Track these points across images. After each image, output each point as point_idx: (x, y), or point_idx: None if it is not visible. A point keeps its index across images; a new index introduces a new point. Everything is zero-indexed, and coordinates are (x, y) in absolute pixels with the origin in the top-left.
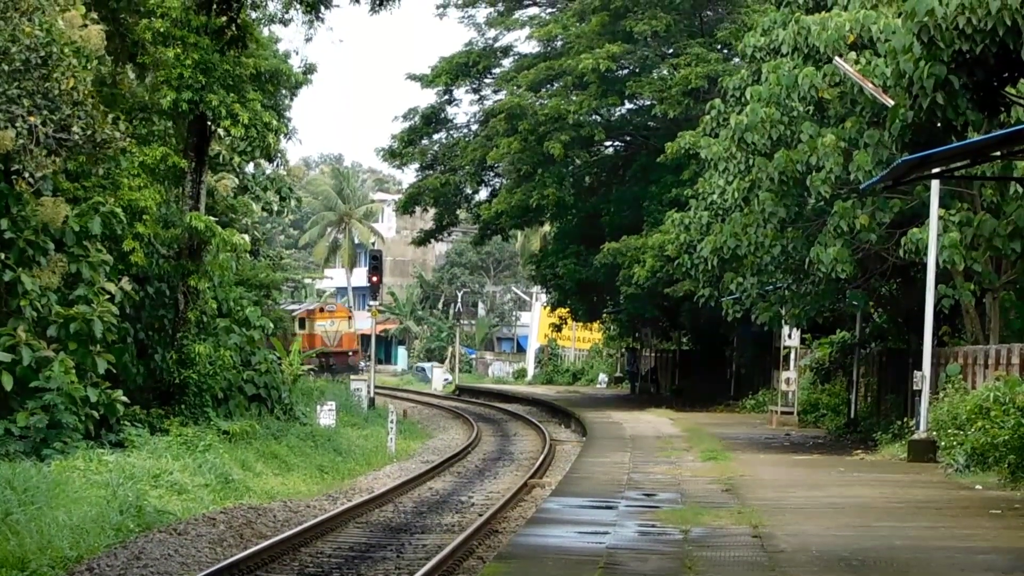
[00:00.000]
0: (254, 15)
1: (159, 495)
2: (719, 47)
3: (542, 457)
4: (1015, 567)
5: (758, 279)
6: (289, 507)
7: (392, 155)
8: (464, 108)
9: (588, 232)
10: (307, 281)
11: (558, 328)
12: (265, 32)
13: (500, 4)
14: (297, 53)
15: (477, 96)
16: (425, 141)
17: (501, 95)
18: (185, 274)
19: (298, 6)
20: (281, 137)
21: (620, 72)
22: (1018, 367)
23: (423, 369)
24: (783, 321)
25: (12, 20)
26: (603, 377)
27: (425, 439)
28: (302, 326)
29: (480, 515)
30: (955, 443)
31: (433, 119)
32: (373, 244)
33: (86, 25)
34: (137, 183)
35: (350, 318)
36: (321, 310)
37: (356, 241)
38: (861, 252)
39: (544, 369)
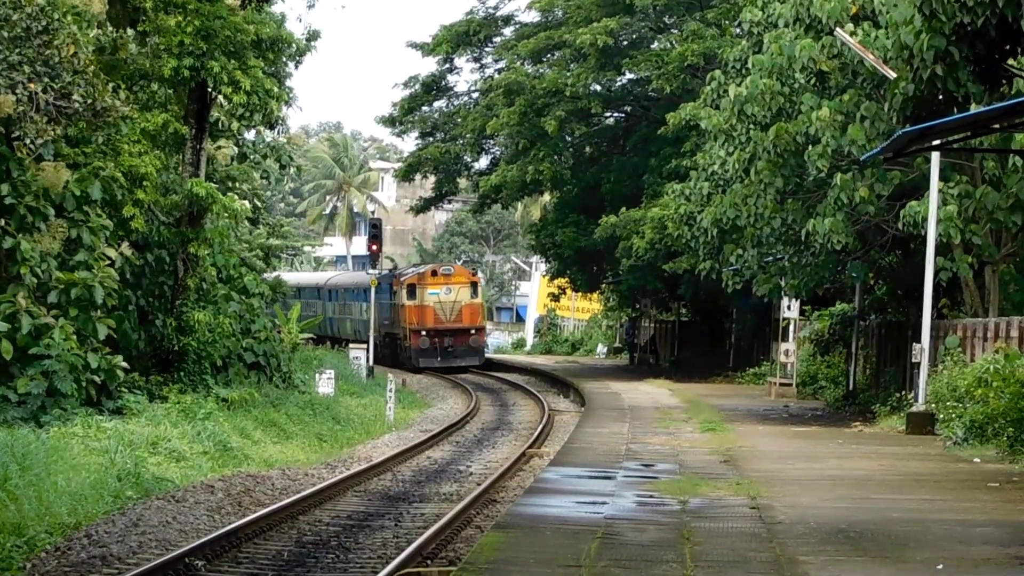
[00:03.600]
0: None
1: (157, 462)
2: (713, 25)
3: (540, 427)
4: (1013, 540)
5: (758, 251)
6: (287, 475)
7: (392, 122)
8: (465, 76)
9: (588, 202)
10: (307, 249)
11: (556, 298)
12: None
13: None
14: (300, 20)
15: (478, 64)
16: (425, 109)
17: (502, 63)
18: (185, 241)
19: None
20: (282, 104)
21: (619, 44)
22: (1017, 340)
23: None
24: (782, 293)
25: None
26: (602, 347)
27: (424, 408)
28: (411, 295)
29: (478, 484)
30: (953, 416)
31: (434, 87)
32: (373, 213)
33: None
34: (137, 149)
35: (474, 284)
36: (434, 273)
37: (355, 210)
38: (861, 224)
39: (543, 339)
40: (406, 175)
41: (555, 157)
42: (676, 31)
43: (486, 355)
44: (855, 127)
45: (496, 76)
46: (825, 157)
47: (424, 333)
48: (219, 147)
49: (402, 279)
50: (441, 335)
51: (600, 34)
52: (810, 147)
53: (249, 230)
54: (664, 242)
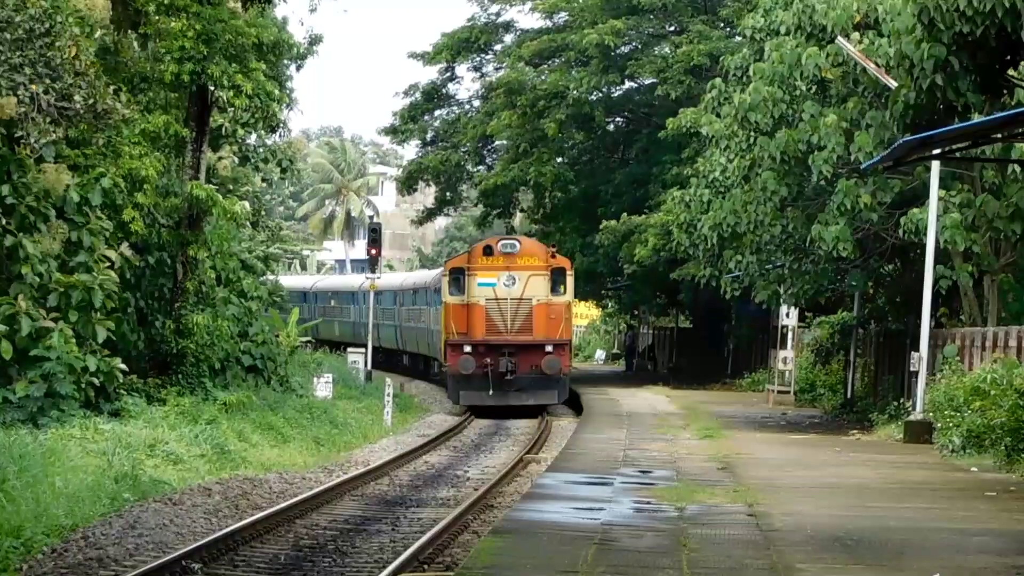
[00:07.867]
0: None
1: (155, 465)
2: (722, 24)
3: (538, 433)
4: (1010, 549)
5: (757, 257)
6: (285, 479)
7: (393, 132)
8: (466, 84)
9: (589, 209)
10: (306, 253)
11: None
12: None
13: None
14: (302, 23)
15: (478, 73)
16: (426, 117)
17: (502, 70)
18: (184, 244)
19: None
20: (283, 107)
21: (622, 49)
22: (1016, 349)
23: None
24: (781, 300)
25: None
26: (601, 353)
27: (422, 413)
28: (455, 287)
29: (476, 489)
30: (951, 425)
31: (434, 95)
32: (372, 218)
33: None
34: (138, 151)
35: (559, 271)
36: (487, 251)
37: (353, 215)
38: (861, 232)
39: None
40: (406, 183)
41: (557, 160)
42: (677, 37)
43: None
44: (862, 135)
45: (498, 76)
46: (830, 163)
47: (468, 350)
48: (220, 158)
49: (446, 264)
50: (495, 353)
51: (607, 33)
52: (815, 152)
53: (250, 235)
54: (668, 248)
